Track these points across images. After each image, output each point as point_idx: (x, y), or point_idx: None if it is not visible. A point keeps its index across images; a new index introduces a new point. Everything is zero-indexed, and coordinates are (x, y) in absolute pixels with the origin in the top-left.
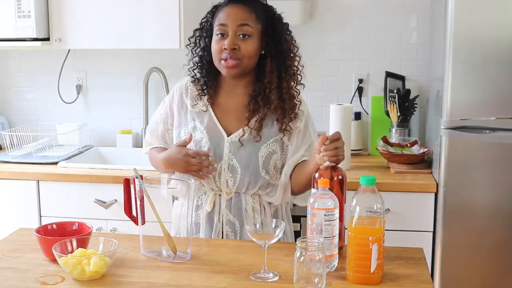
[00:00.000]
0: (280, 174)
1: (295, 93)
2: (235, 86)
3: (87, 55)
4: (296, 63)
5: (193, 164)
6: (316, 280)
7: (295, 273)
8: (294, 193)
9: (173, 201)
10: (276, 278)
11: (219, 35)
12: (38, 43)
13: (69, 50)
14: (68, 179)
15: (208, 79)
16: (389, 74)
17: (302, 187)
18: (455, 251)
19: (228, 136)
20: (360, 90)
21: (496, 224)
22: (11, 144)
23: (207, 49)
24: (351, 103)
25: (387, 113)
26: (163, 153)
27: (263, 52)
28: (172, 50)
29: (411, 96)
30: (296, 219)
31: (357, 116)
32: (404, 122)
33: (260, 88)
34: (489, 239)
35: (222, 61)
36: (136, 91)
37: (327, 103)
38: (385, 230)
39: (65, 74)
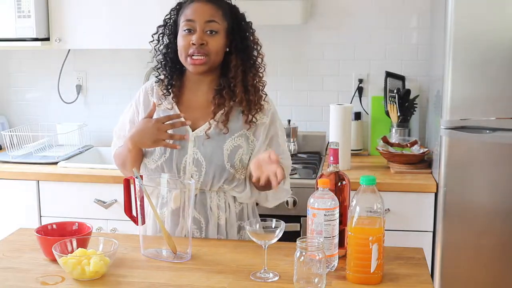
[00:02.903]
0: (245, 168)
1: (261, 87)
2: (200, 83)
3: (87, 55)
4: (260, 60)
5: (164, 131)
6: (316, 280)
7: (295, 273)
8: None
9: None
10: (276, 278)
11: (186, 31)
12: (38, 43)
13: (69, 50)
14: (68, 179)
15: (171, 78)
16: (389, 74)
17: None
18: (455, 251)
19: (193, 131)
20: (360, 90)
21: (496, 224)
22: (11, 144)
23: (171, 46)
24: (351, 103)
25: (387, 113)
26: (129, 133)
27: (227, 49)
28: None
29: (411, 96)
30: (296, 219)
31: (357, 116)
32: (404, 122)
33: (225, 82)
34: (489, 239)
35: (189, 58)
36: (136, 91)
37: (327, 103)
38: (385, 230)
39: (65, 74)
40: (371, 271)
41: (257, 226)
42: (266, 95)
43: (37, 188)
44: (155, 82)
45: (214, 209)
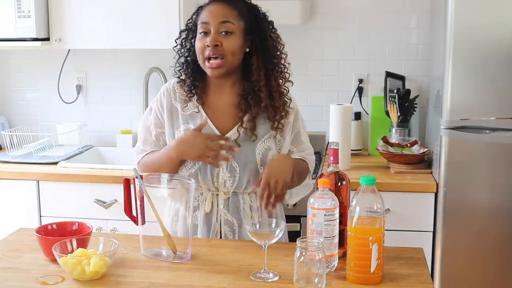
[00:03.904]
0: None
1: (285, 91)
2: (222, 85)
3: (87, 55)
4: (282, 61)
5: (211, 149)
6: (316, 280)
7: (295, 273)
8: None
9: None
10: (276, 278)
11: (202, 33)
12: (38, 43)
13: (69, 50)
14: (68, 179)
15: (194, 79)
16: (389, 74)
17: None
18: (455, 251)
19: (222, 135)
20: (360, 90)
21: (496, 224)
22: (11, 144)
23: (192, 49)
24: (351, 103)
25: (387, 113)
26: (174, 140)
27: (247, 50)
28: (172, 50)
29: (411, 96)
30: (296, 219)
31: (357, 116)
32: (404, 122)
33: (249, 87)
34: (489, 239)
35: (206, 62)
36: (136, 91)
37: (327, 103)
38: (385, 230)
39: (65, 74)
40: (371, 271)
41: (257, 226)
42: (291, 100)
43: (37, 188)
44: (177, 82)
45: (247, 210)
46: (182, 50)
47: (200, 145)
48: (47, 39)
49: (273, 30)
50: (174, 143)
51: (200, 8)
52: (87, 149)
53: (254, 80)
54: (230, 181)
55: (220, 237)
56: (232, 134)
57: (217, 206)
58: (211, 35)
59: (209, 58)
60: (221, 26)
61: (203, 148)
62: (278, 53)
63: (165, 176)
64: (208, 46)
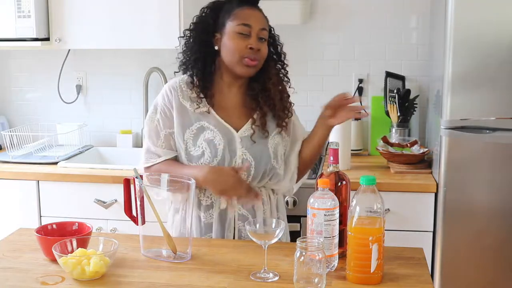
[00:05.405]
0: (283, 162)
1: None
2: (232, 85)
3: (87, 55)
4: (286, 67)
5: (240, 189)
6: (316, 280)
7: (295, 273)
8: (300, 171)
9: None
10: (276, 278)
11: (240, 34)
12: (38, 43)
13: (69, 50)
14: (68, 179)
15: (205, 81)
16: (389, 74)
17: (309, 159)
18: (455, 251)
19: (237, 132)
20: (360, 90)
21: (496, 224)
22: (11, 144)
23: (209, 44)
24: None
25: (387, 113)
26: (206, 166)
27: None
28: (172, 50)
29: (411, 96)
30: (296, 219)
31: None
32: (404, 122)
33: (258, 87)
34: (489, 239)
35: (246, 59)
36: (136, 91)
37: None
38: (385, 230)
39: (65, 74)
40: (371, 271)
41: (257, 226)
42: (293, 103)
43: (37, 188)
44: (190, 83)
45: (259, 204)
46: (192, 45)
47: (230, 183)
48: (47, 39)
49: (280, 42)
50: (206, 169)
51: (219, 5)
52: (87, 149)
53: (271, 82)
54: (245, 175)
55: (234, 233)
56: (246, 130)
57: (231, 201)
58: (253, 39)
59: (248, 58)
60: (260, 32)
61: (231, 187)
62: (283, 59)
63: (165, 177)
64: (251, 48)
